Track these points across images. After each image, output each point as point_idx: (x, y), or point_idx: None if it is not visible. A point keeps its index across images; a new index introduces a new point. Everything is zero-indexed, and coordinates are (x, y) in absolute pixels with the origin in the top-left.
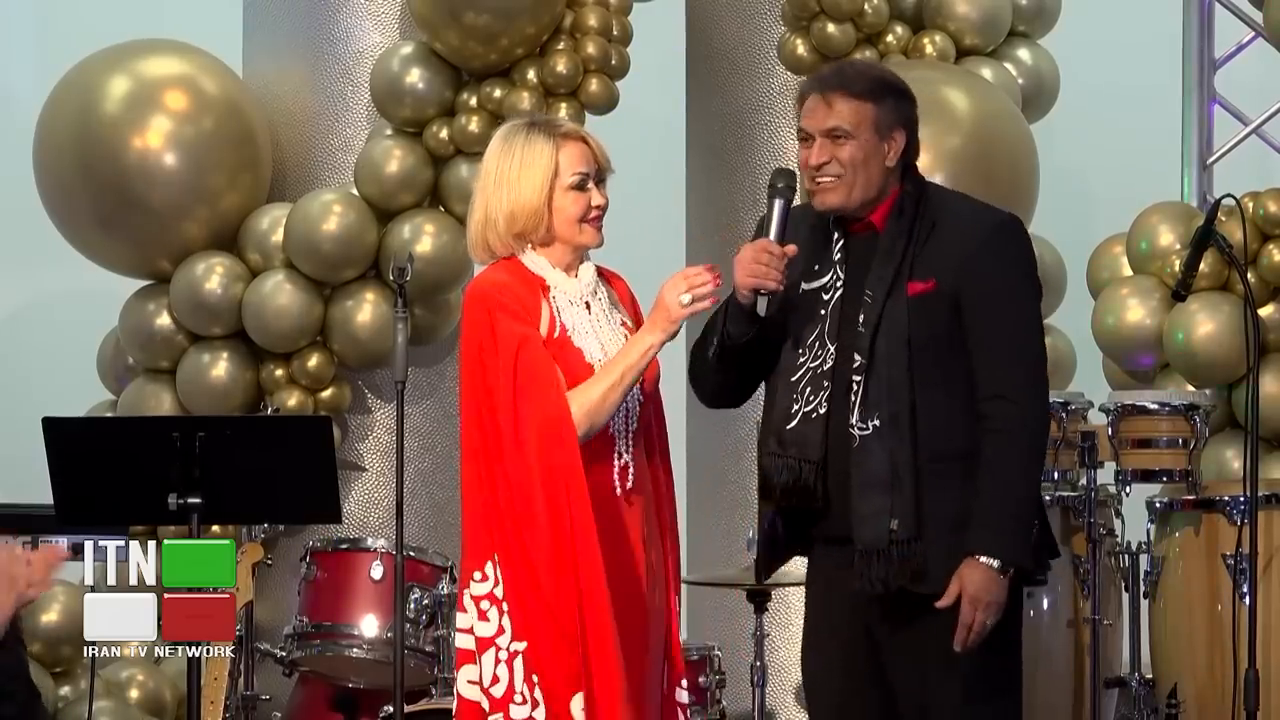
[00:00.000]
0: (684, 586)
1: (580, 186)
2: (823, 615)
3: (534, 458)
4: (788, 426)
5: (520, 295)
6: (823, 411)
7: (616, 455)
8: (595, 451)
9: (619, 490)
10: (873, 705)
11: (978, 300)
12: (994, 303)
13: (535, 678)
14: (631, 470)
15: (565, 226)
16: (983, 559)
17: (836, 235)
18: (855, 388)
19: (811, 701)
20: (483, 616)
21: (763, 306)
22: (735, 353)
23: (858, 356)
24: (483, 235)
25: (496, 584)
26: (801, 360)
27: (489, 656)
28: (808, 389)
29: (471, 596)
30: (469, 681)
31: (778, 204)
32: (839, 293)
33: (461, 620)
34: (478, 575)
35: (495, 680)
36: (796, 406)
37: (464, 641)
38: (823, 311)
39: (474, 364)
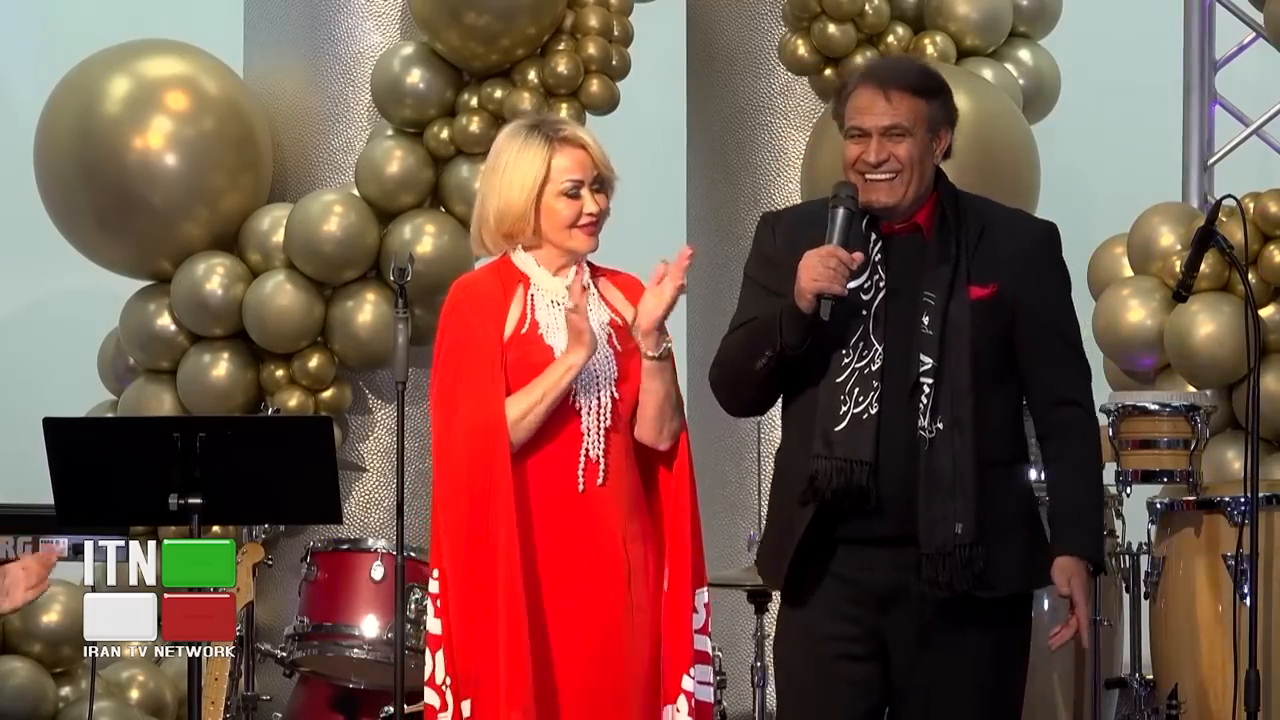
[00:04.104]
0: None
1: (572, 193)
2: (826, 615)
3: (461, 459)
4: (836, 428)
5: (489, 294)
6: (874, 412)
7: (584, 452)
8: (560, 449)
9: (582, 487)
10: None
11: (1042, 307)
12: (1057, 309)
13: (448, 680)
14: (603, 467)
15: (554, 231)
16: (1083, 560)
17: (874, 236)
18: (926, 389)
19: (792, 699)
20: (438, 614)
21: (826, 311)
22: (787, 362)
23: (926, 358)
24: (478, 232)
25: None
26: (846, 361)
27: (440, 654)
28: (855, 389)
29: (429, 594)
30: (425, 681)
31: (840, 213)
32: (882, 293)
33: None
34: (435, 572)
35: (447, 678)
36: (845, 408)
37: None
38: (864, 311)
39: (435, 362)
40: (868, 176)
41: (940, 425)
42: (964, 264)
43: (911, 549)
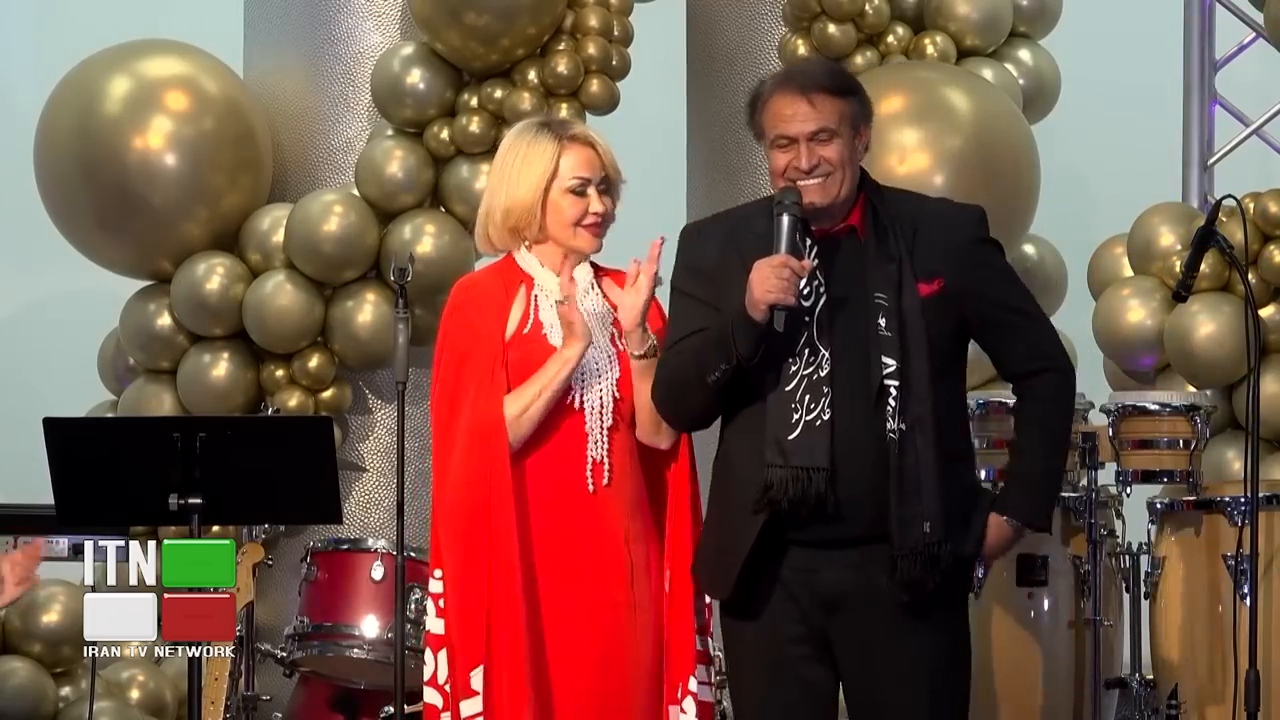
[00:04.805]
0: None
1: (579, 191)
2: (778, 620)
3: (462, 459)
4: (790, 436)
5: (491, 293)
6: (826, 418)
7: (591, 452)
8: (564, 449)
9: (591, 488)
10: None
11: (992, 292)
12: (1006, 289)
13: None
14: (608, 467)
15: (559, 228)
16: (1015, 522)
17: (808, 241)
18: (893, 391)
19: (751, 707)
20: (440, 614)
21: (780, 322)
22: (740, 374)
23: (888, 360)
24: (484, 228)
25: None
26: (794, 369)
27: (443, 655)
28: (806, 396)
29: (430, 594)
30: (426, 681)
31: (786, 220)
32: (823, 299)
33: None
34: (437, 573)
35: (448, 679)
36: (797, 415)
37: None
38: (806, 318)
39: (436, 362)
40: (799, 184)
41: (904, 426)
42: (907, 262)
43: (867, 548)
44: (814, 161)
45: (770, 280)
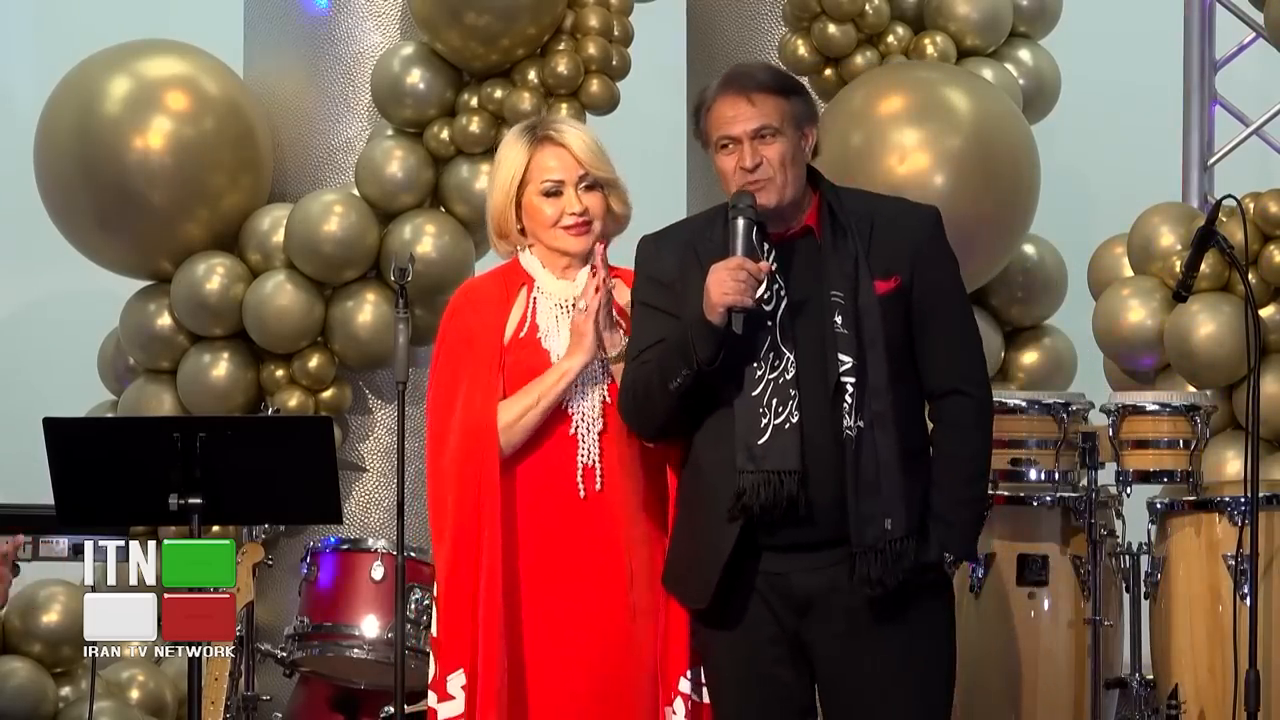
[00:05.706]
0: None
1: (553, 192)
2: (755, 624)
3: (451, 460)
4: (759, 441)
5: (490, 297)
6: (795, 420)
7: (581, 457)
8: (554, 455)
9: (583, 493)
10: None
11: (938, 294)
12: (946, 296)
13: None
14: (600, 473)
15: (541, 231)
16: (945, 555)
17: (765, 244)
18: (850, 388)
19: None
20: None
21: (738, 325)
22: (702, 379)
23: (845, 358)
24: (487, 234)
25: None
26: (759, 374)
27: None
28: (774, 400)
29: (433, 597)
30: (429, 684)
31: (741, 223)
32: (784, 301)
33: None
34: None
35: None
36: (765, 419)
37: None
38: (769, 321)
39: (433, 366)
40: (746, 184)
41: (862, 423)
42: (864, 260)
43: (838, 550)
44: (757, 160)
45: (727, 283)
